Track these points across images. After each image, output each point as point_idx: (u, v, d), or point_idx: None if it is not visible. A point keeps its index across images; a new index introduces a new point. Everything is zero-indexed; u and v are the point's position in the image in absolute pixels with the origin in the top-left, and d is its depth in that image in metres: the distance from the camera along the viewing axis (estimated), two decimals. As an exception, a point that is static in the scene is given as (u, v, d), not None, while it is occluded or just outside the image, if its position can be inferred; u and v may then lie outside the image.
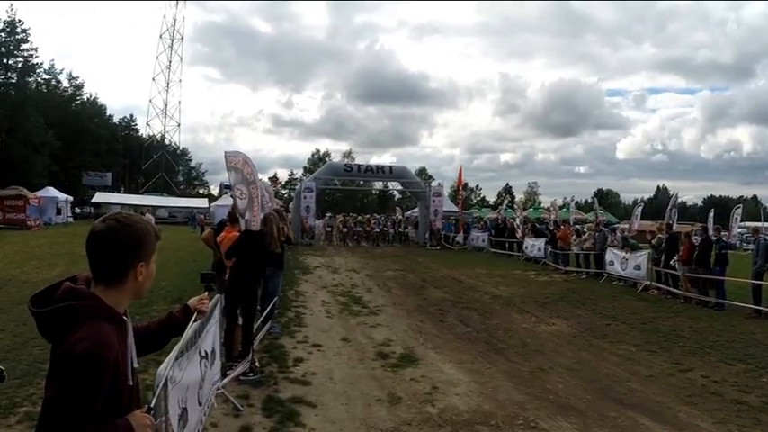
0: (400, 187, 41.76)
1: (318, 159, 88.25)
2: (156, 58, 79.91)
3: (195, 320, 2.54)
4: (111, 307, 1.86)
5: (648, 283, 15.65)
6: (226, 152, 6.67)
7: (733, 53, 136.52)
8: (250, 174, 6.95)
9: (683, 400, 6.50)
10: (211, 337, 5.00)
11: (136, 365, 1.96)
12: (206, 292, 2.73)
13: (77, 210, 55.66)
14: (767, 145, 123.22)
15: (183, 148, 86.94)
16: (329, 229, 34.94)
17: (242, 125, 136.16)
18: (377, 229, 35.47)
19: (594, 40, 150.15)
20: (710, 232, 15.14)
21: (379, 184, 49.75)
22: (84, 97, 72.50)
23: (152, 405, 2.06)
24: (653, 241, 16.62)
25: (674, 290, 14.59)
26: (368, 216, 41.77)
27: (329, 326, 10.05)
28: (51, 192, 43.41)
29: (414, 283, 16.46)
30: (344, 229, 35.17)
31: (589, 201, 75.95)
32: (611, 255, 17.59)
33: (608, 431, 5.52)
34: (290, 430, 5.22)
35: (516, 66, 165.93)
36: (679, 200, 19.83)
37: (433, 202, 33.96)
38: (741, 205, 22.88)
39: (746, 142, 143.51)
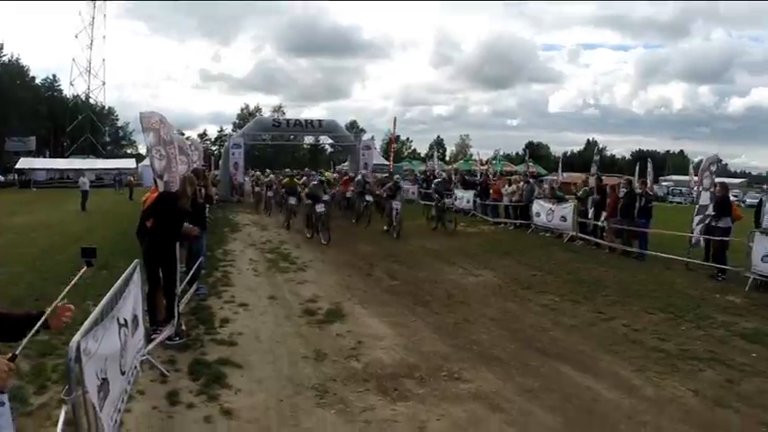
0: (331, 141, 41.34)
1: (248, 114, 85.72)
2: (79, 13, 75.02)
3: (45, 327, 2.39)
4: None
5: (574, 234, 16.05)
6: (141, 113, 6.38)
7: (672, 10, 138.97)
8: (167, 134, 6.72)
9: (604, 348, 6.74)
10: (131, 304, 4.89)
11: None
12: (82, 268, 2.63)
13: (1, 178, 52.96)
14: (697, 102, 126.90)
15: (108, 108, 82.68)
16: (258, 189, 27.09)
17: (169, 80, 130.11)
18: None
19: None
20: (636, 185, 15.52)
21: (309, 139, 49.10)
22: (5, 59, 67.72)
23: (17, 353, 1.95)
24: (578, 193, 17.11)
25: (599, 240, 15.04)
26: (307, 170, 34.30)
27: (256, 284, 9.99)
28: (-28, 161, 40.74)
29: (343, 237, 16.41)
30: (269, 193, 24.70)
31: (520, 153, 77.36)
32: (538, 206, 17.90)
33: (530, 380, 5.70)
34: (216, 392, 5.22)
35: (451, 17, 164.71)
36: (608, 153, 20.58)
37: (363, 155, 33.84)
38: (650, 159, 23.80)
39: (678, 99, 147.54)
